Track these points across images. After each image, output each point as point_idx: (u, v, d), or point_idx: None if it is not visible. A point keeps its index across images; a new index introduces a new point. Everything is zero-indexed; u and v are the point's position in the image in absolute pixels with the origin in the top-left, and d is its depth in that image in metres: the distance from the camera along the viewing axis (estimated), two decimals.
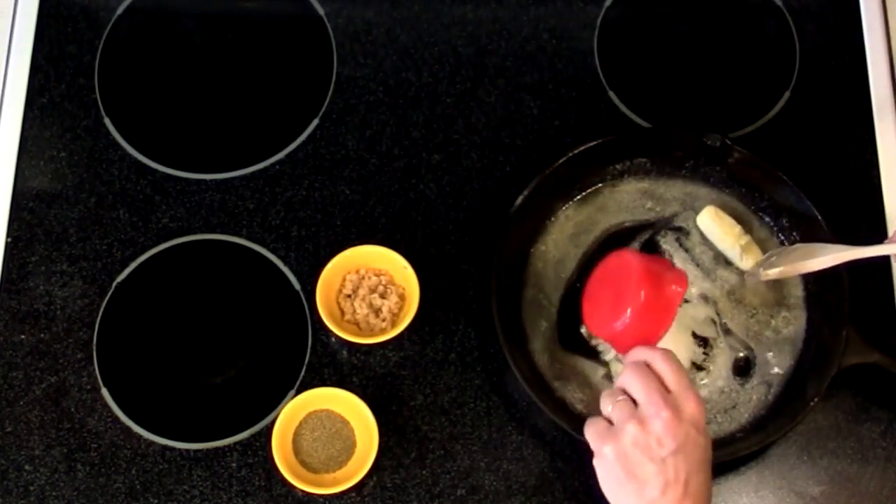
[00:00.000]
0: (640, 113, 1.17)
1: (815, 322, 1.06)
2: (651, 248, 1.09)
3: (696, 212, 1.10)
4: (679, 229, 1.10)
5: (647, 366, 0.90)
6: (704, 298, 1.08)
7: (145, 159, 1.16)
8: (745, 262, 1.08)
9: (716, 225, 1.08)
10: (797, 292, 1.08)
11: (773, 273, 1.02)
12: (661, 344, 0.96)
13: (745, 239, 1.08)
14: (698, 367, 1.06)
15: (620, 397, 0.89)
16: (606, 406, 0.90)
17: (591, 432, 0.90)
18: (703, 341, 1.06)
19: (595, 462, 0.90)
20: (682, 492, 0.85)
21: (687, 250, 1.09)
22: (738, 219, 1.10)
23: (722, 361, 1.06)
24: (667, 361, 0.89)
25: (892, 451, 1.04)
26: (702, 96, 1.19)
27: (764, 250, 1.09)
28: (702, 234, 1.10)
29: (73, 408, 1.07)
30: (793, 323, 1.07)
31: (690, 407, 0.87)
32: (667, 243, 1.10)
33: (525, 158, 1.15)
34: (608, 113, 1.18)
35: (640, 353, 0.92)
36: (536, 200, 1.09)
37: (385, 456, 1.03)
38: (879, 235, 1.11)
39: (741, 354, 1.06)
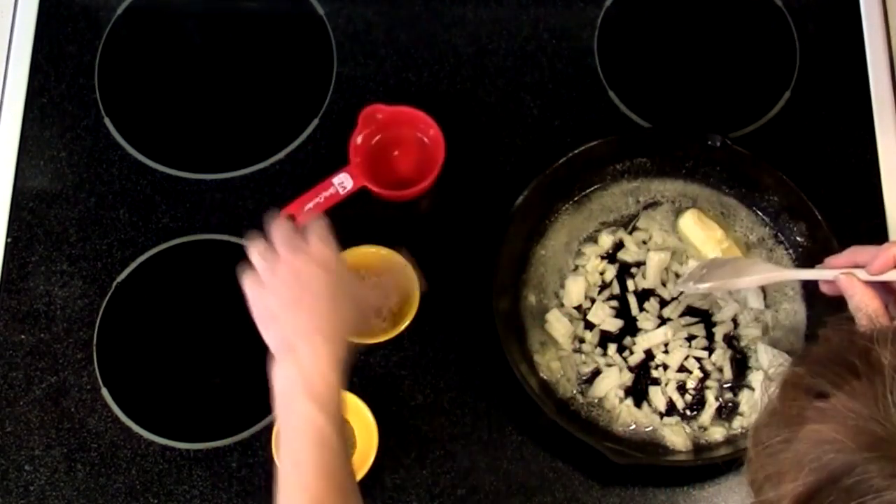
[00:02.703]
0: (640, 113, 1.17)
1: (815, 320, 1.06)
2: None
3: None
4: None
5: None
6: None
7: (145, 159, 1.16)
8: None
9: (698, 228, 1.09)
10: (795, 285, 1.08)
11: (703, 288, 1.01)
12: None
13: (727, 243, 1.09)
14: (701, 369, 1.06)
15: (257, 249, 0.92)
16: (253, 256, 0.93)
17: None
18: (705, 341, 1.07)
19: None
20: (302, 318, 0.86)
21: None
22: (738, 219, 1.11)
23: (721, 361, 1.06)
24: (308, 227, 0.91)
25: None
26: (702, 96, 1.19)
27: (760, 251, 1.09)
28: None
29: (73, 408, 1.07)
30: (791, 316, 1.07)
31: (315, 249, 0.89)
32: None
33: (525, 158, 1.15)
34: (608, 113, 1.18)
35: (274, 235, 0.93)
36: (536, 200, 1.09)
37: (385, 456, 1.03)
38: (879, 236, 1.11)
39: (739, 354, 1.06)
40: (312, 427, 0.82)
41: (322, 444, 0.82)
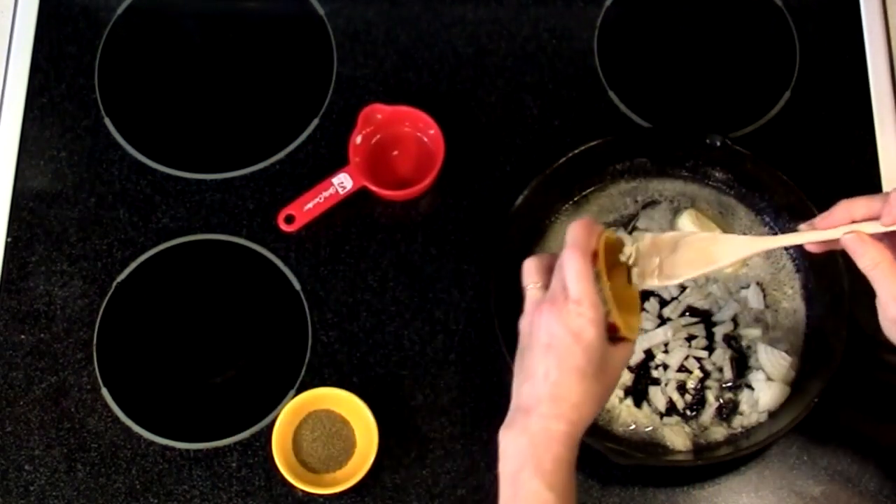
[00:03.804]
0: (640, 113, 1.17)
1: (816, 320, 1.06)
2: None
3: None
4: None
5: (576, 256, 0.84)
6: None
7: (145, 159, 1.16)
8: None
9: (696, 228, 1.09)
10: (795, 284, 1.09)
11: (676, 281, 0.91)
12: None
13: None
14: (702, 369, 1.06)
15: (532, 284, 0.87)
16: (525, 285, 0.88)
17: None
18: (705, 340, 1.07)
19: None
20: (545, 388, 0.82)
21: None
22: (738, 218, 1.11)
23: (721, 361, 1.06)
24: (567, 267, 0.83)
25: (892, 451, 1.04)
26: (702, 96, 1.19)
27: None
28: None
29: (73, 408, 1.07)
30: (791, 316, 1.07)
31: (574, 318, 0.81)
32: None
33: (525, 158, 1.15)
34: (608, 113, 1.18)
35: (570, 237, 0.85)
36: (536, 200, 1.09)
37: (385, 456, 1.03)
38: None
39: (739, 354, 1.06)
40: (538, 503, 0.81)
41: None
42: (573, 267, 0.82)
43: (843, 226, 0.83)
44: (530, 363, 0.84)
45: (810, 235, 0.86)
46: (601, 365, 0.83)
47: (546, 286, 0.86)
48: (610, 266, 0.86)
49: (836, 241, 0.84)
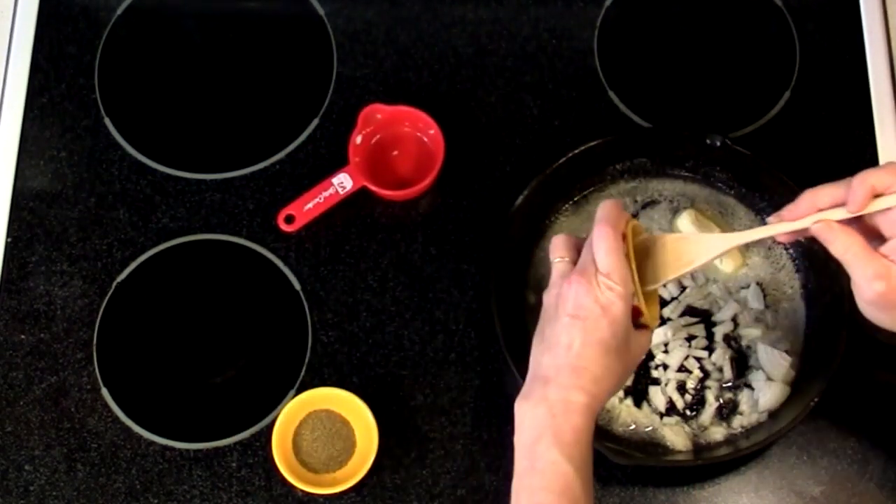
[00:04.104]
0: (640, 113, 1.17)
1: (816, 320, 1.06)
2: None
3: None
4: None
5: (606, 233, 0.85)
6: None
7: (145, 159, 1.16)
8: (726, 265, 1.08)
9: (695, 228, 1.09)
10: (794, 284, 1.08)
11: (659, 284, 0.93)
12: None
13: None
14: (702, 369, 1.06)
15: (560, 258, 0.88)
16: (552, 259, 0.89)
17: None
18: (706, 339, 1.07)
19: None
20: (567, 359, 0.83)
21: None
22: (737, 218, 1.11)
23: (721, 361, 1.06)
24: (600, 241, 0.84)
25: (892, 451, 1.04)
26: (702, 96, 1.19)
27: (758, 249, 1.09)
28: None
29: (73, 408, 1.07)
30: (791, 316, 1.07)
31: (604, 291, 0.83)
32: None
33: (525, 158, 1.15)
34: (608, 113, 1.18)
35: (596, 215, 0.86)
36: (536, 200, 1.09)
37: (385, 456, 1.03)
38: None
39: (739, 354, 1.06)
40: (558, 475, 0.81)
41: (566, 494, 0.81)
42: (605, 241, 0.84)
43: (810, 215, 0.84)
44: (553, 333, 0.84)
45: (780, 227, 0.87)
46: (625, 342, 0.84)
47: (574, 261, 0.87)
48: (634, 245, 0.87)
49: (807, 229, 0.85)
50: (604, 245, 0.84)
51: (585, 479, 0.82)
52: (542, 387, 0.83)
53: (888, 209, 0.81)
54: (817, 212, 0.84)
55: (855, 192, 0.81)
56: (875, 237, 0.83)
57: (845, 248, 0.82)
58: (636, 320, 0.87)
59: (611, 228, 0.84)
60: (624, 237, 0.86)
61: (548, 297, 0.87)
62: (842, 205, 0.83)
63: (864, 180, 0.81)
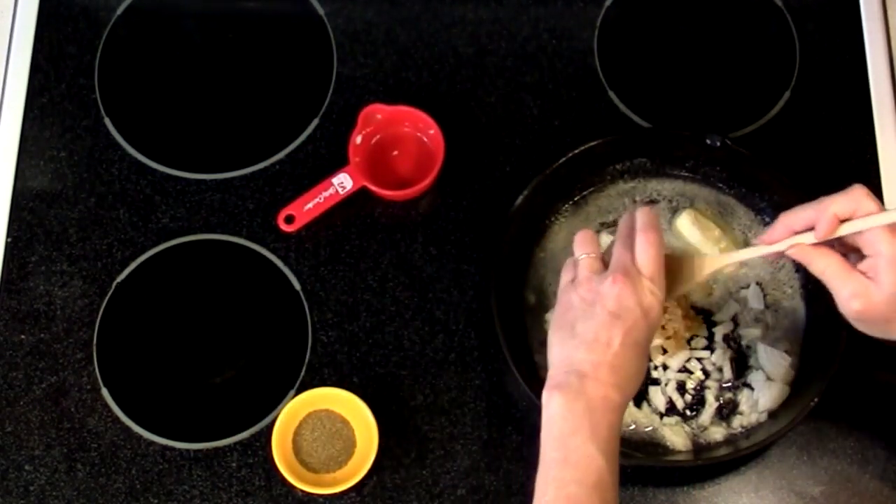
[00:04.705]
0: (640, 113, 1.17)
1: (816, 320, 1.06)
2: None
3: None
4: None
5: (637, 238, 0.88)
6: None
7: (145, 159, 1.16)
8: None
9: (695, 228, 1.09)
10: (794, 284, 1.08)
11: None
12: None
13: (724, 242, 1.09)
14: (702, 369, 1.06)
15: (586, 254, 0.90)
16: (578, 255, 0.91)
17: (561, 280, 0.92)
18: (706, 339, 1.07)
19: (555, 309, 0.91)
20: (606, 357, 0.84)
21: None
22: (737, 217, 1.11)
23: (721, 361, 1.06)
24: (648, 246, 0.87)
25: (892, 451, 1.04)
26: (702, 96, 1.19)
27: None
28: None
29: (73, 408, 1.07)
30: (791, 316, 1.07)
31: (648, 294, 0.85)
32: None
33: (525, 158, 1.15)
34: (608, 113, 1.18)
35: (639, 220, 0.89)
36: (536, 200, 1.09)
37: (385, 456, 1.03)
38: None
39: (739, 354, 1.06)
40: (591, 469, 0.82)
41: (598, 487, 0.82)
42: (652, 246, 0.87)
43: (786, 239, 0.89)
44: (589, 329, 0.85)
45: (759, 250, 0.92)
46: (650, 345, 0.87)
47: (599, 258, 0.90)
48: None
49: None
50: (652, 251, 0.86)
51: (615, 476, 0.84)
52: (578, 380, 0.83)
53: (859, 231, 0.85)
54: (793, 235, 0.88)
55: (819, 220, 0.86)
56: (857, 252, 0.87)
57: (822, 268, 0.86)
58: None
59: (657, 234, 0.87)
60: None
61: (575, 291, 0.88)
62: (813, 228, 0.87)
63: (827, 208, 0.85)
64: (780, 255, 0.90)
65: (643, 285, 0.85)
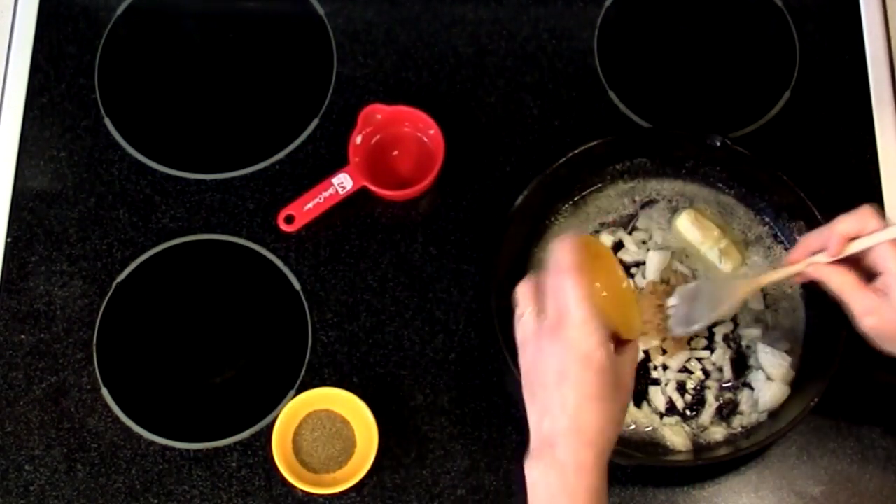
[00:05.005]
0: (640, 113, 1.17)
1: (815, 320, 1.06)
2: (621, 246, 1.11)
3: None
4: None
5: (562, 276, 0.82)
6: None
7: (145, 159, 1.16)
8: (725, 265, 1.08)
9: (695, 228, 1.09)
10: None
11: (696, 328, 1.02)
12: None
13: (724, 242, 1.09)
14: (702, 369, 1.06)
15: (526, 311, 0.84)
16: (517, 313, 0.86)
17: (516, 338, 0.87)
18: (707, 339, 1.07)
19: None
20: (565, 421, 0.81)
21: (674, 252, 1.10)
22: (736, 217, 1.11)
23: (721, 361, 1.06)
24: (568, 290, 0.80)
25: (892, 451, 1.04)
26: (702, 96, 1.19)
27: (758, 249, 1.09)
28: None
29: (73, 408, 1.07)
30: (791, 316, 1.07)
31: (582, 343, 0.80)
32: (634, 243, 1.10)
33: (525, 158, 1.15)
34: (608, 113, 1.18)
35: (552, 262, 0.83)
36: (536, 200, 1.09)
37: (385, 456, 1.03)
38: None
39: (739, 354, 1.06)
40: None
41: None
42: (569, 290, 0.81)
43: (805, 260, 0.93)
44: (544, 397, 0.82)
45: (783, 272, 0.96)
46: (615, 382, 0.82)
47: (541, 310, 0.84)
48: (591, 266, 0.84)
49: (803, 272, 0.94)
50: (570, 294, 0.80)
51: None
52: (549, 450, 0.82)
53: (872, 247, 0.88)
54: (811, 255, 0.93)
55: (830, 239, 0.90)
56: (871, 272, 0.90)
57: (838, 286, 0.90)
58: (615, 340, 0.84)
59: (571, 273, 0.81)
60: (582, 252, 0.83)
61: (524, 357, 0.84)
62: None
63: (835, 229, 0.89)
64: (799, 278, 0.94)
65: (573, 337, 0.80)
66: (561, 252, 0.82)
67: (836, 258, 0.90)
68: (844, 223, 0.89)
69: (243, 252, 1.13)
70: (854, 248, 0.89)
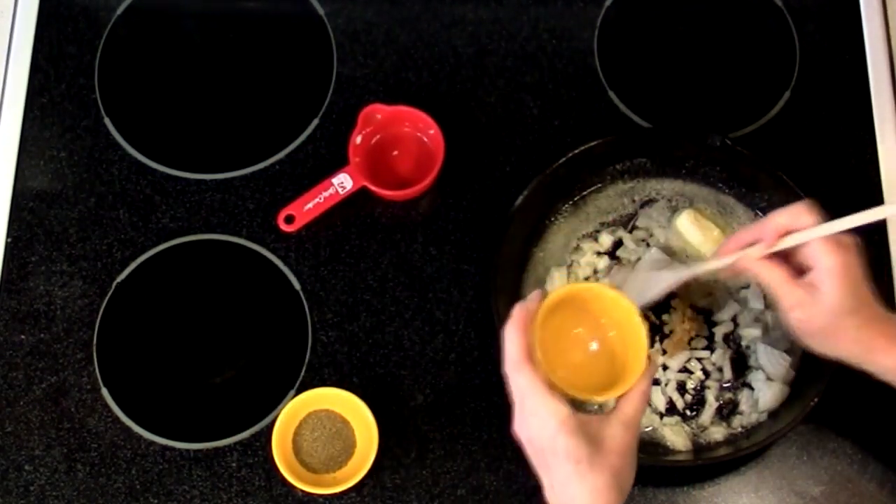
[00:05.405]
0: (640, 113, 1.17)
1: None
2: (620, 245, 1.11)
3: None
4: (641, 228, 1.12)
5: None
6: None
7: (145, 159, 1.16)
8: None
9: (695, 228, 1.09)
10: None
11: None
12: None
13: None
14: (702, 369, 1.06)
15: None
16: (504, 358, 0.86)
17: None
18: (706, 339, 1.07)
19: None
20: (554, 498, 0.82)
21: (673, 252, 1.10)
22: (736, 216, 1.11)
23: (721, 361, 1.06)
24: (515, 378, 0.83)
25: (892, 451, 1.04)
26: (702, 96, 1.19)
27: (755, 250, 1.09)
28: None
29: (73, 408, 1.07)
30: None
31: (542, 431, 0.81)
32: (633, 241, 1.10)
33: (525, 158, 1.15)
34: (608, 113, 1.18)
35: (505, 349, 0.85)
36: (536, 200, 1.09)
37: (385, 456, 1.03)
38: (879, 236, 1.11)
39: (739, 354, 1.06)
40: None
41: None
42: (520, 383, 0.82)
43: (736, 252, 0.92)
44: (538, 473, 0.84)
45: (709, 264, 0.95)
46: (595, 452, 0.81)
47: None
48: (559, 330, 0.87)
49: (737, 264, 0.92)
50: (520, 386, 0.82)
51: None
52: None
53: (804, 244, 0.88)
54: (743, 248, 0.91)
55: (764, 232, 0.89)
56: (801, 268, 0.89)
57: (768, 279, 0.89)
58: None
59: (520, 365, 0.82)
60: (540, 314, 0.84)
61: (516, 414, 0.85)
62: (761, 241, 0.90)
63: (770, 223, 0.89)
64: (733, 270, 0.92)
65: (533, 426, 0.82)
66: (507, 340, 0.84)
67: (769, 251, 0.89)
68: (780, 217, 0.89)
69: (243, 252, 1.13)
70: (787, 242, 0.89)
